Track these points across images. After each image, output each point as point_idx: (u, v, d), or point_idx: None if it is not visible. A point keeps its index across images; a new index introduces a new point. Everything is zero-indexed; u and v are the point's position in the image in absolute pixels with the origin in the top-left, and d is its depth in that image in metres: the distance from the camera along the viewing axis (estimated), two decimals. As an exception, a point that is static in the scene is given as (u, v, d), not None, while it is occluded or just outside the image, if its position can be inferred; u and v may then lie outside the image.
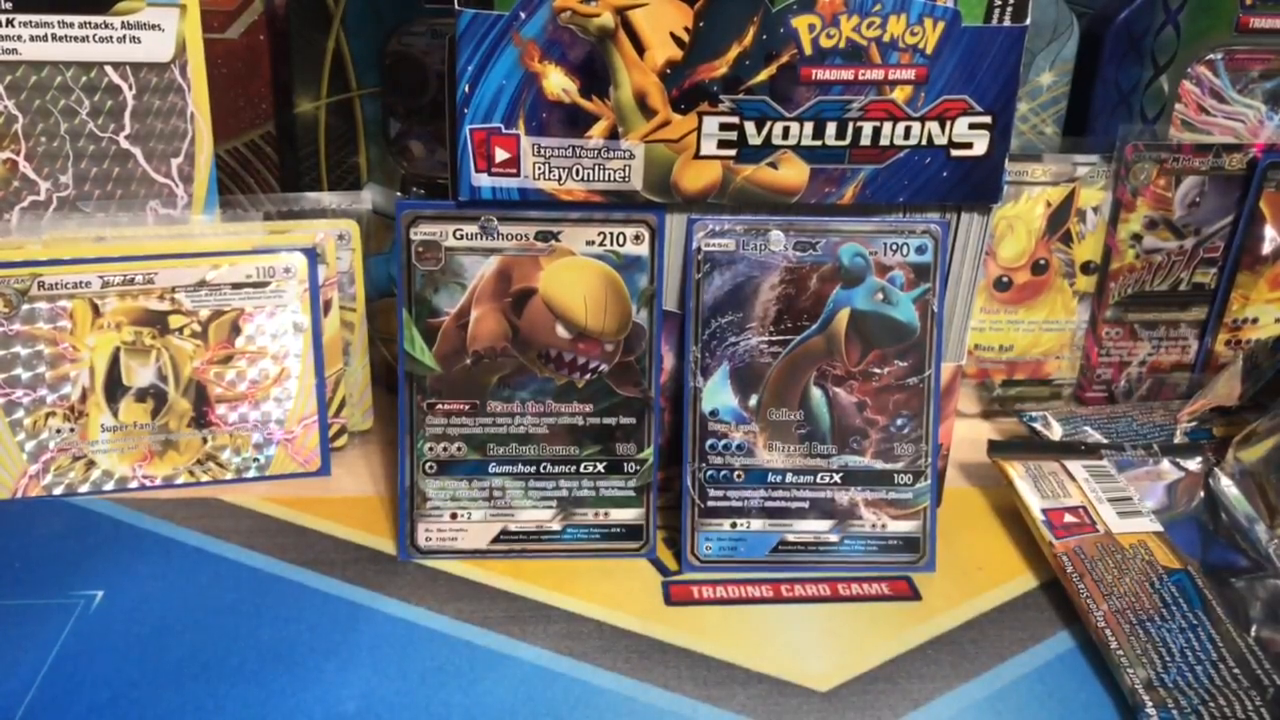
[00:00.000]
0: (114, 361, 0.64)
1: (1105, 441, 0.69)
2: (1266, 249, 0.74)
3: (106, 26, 0.62)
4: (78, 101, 0.63)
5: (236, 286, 0.65)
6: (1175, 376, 0.78)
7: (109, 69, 0.63)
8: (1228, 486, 0.64)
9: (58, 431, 0.64)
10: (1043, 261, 0.75)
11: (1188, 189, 0.73)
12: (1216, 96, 0.73)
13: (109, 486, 0.65)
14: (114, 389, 0.64)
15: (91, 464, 0.65)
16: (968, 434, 0.73)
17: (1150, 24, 0.73)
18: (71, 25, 0.61)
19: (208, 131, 0.65)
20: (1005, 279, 0.75)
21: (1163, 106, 0.73)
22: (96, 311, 0.63)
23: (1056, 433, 0.71)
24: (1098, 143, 0.74)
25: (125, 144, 0.64)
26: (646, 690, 0.51)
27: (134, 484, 0.65)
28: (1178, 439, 0.70)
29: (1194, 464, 0.67)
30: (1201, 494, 0.65)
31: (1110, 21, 0.75)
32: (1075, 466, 0.65)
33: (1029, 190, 0.73)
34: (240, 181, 0.76)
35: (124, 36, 0.62)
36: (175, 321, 0.64)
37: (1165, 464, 0.67)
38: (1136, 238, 0.74)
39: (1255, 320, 0.77)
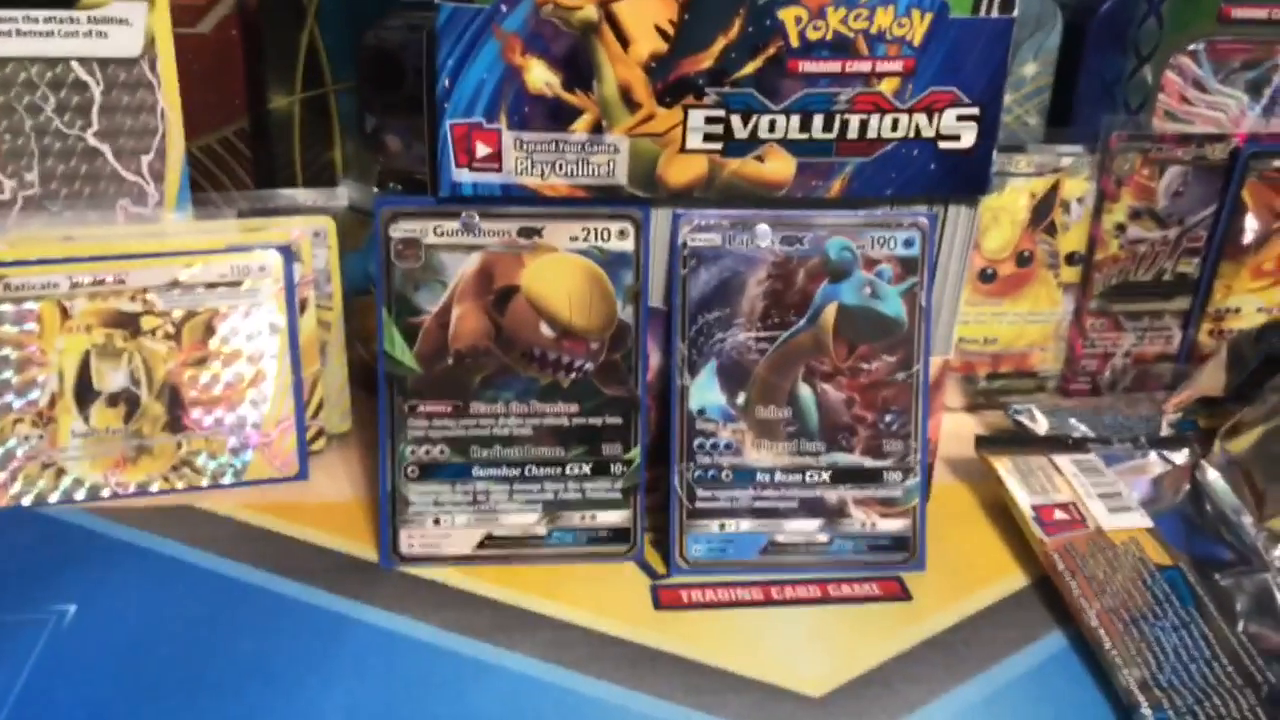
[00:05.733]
0: (84, 365, 0.62)
1: (1092, 435, 0.68)
2: (1248, 238, 0.74)
3: (72, 21, 0.60)
4: (43, 98, 0.61)
5: (210, 286, 0.63)
6: (1159, 367, 0.78)
7: (75, 65, 0.61)
8: (1215, 479, 0.64)
9: (25, 438, 0.62)
10: (1027, 253, 0.74)
11: (1171, 179, 0.73)
12: (1199, 87, 0.73)
13: (80, 495, 0.63)
14: (84, 393, 0.63)
15: (62, 472, 0.63)
16: (953, 428, 0.72)
17: (1133, 15, 0.73)
18: (36, 20, 0.60)
19: (179, 128, 0.64)
20: (990, 271, 0.75)
21: (1146, 97, 0.73)
22: (65, 313, 0.61)
23: (1042, 426, 0.70)
24: (1082, 133, 0.73)
25: (93, 141, 0.62)
26: (637, 699, 0.50)
27: (106, 492, 0.64)
28: (1164, 431, 0.70)
29: (1180, 457, 0.66)
30: (1187, 486, 0.65)
31: (1093, 12, 0.75)
32: (1063, 461, 0.65)
33: (1013, 181, 0.73)
34: (213, 179, 0.74)
35: (90, 31, 0.61)
36: (147, 323, 0.63)
37: (1152, 456, 0.66)
38: (1120, 228, 0.74)
39: (1238, 310, 0.77)
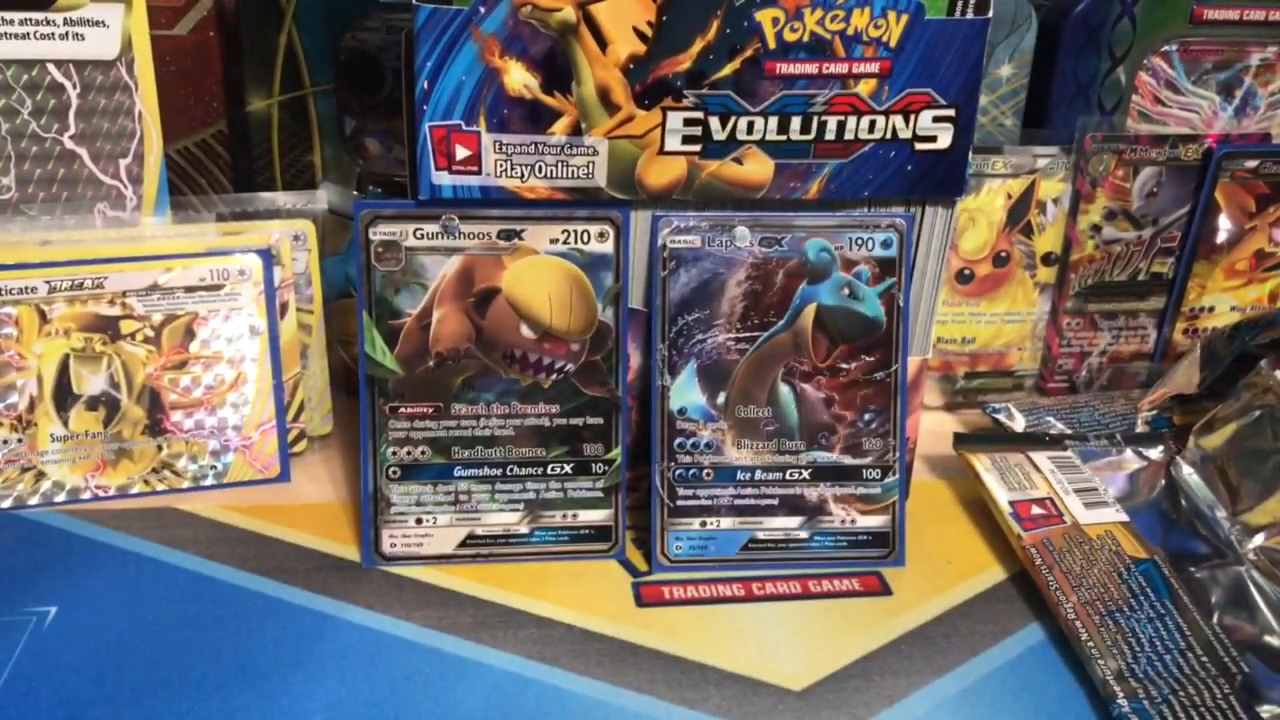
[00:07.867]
0: (63, 369, 0.62)
1: (1069, 432, 0.69)
2: (1221, 238, 0.75)
3: (48, 23, 0.60)
4: (19, 101, 0.61)
5: (190, 290, 0.63)
6: (1135, 365, 0.79)
7: (51, 67, 0.61)
8: (1189, 474, 0.65)
9: (4, 442, 0.62)
10: (1004, 253, 0.75)
11: (1145, 179, 0.74)
12: (1171, 88, 0.74)
13: (60, 498, 0.63)
14: (63, 397, 0.62)
15: (41, 475, 0.63)
16: (932, 426, 0.73)
17: (1107, 16, 0.74)
18: (11, 22, 0.59)
19: (157, 131, 0.64)
20: (967, 271, 0.75)
21: (1120, 98, 0.74)
22: (44, 318, 0.61)
23: (1020, 424, 0.71)
24: (1057, 134, 0.74)
25: (70, 144, 0.62)
26: (620, 694, 0.50)
27: (86, 495, 0.64)
28: (1139, 428, 0.71)
29: (1156, 453, 0.67)
30: (1162, 482, 0.65)
31: (1068, 13, 0.76)
32: (1040, 458, 0.65)
33: (990, 182, 0.73)
34: (191, 182, 0.74)
35: (67, 33, 0.60)
36: (127, 327, 0.63)
37: (1128, 453, 0.67)
38: (1096, 228, 0.74)
39: (1211, 309, 0.78)
